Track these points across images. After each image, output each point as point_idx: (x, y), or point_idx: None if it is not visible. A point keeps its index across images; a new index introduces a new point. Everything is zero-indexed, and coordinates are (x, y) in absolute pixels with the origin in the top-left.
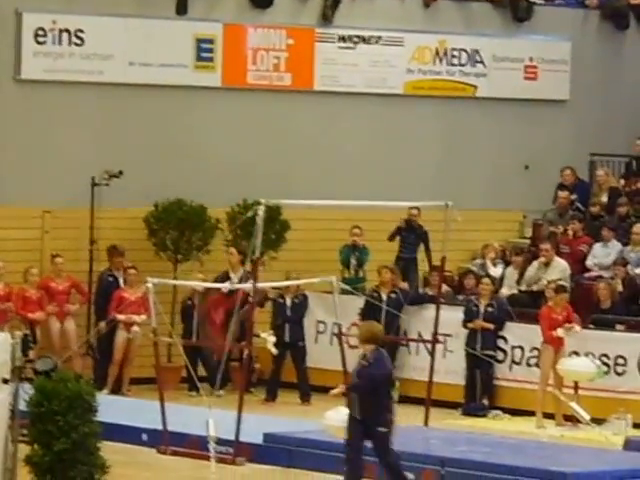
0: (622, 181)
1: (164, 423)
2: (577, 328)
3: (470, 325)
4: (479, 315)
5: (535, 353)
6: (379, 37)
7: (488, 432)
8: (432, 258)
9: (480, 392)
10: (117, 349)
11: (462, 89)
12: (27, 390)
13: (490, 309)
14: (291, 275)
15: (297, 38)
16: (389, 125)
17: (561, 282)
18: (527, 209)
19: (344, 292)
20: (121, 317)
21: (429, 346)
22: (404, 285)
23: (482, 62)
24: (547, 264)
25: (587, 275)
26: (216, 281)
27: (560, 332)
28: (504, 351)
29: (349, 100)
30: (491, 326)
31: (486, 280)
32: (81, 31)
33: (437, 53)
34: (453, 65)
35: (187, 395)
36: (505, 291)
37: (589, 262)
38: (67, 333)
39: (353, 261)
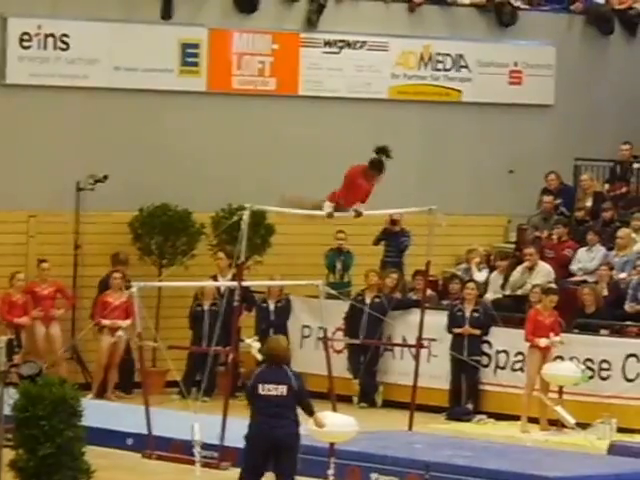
0: (607, 186)
1: (149, 427)
2: (560, 340)
3: (457, 331)
4: (465, 320)
5: (520, 358)
6: (364, 42)
7: (472, 437)
8: (416, 263)
9: (465, 397)
10: (102, 354)
11: (447, 94)
12: (12, 395)
13: (476, 314)
14: (275, 279)
15: (282, 43)
16: (374, 130)
17: (551, 284)
18: (512, 214)
19: (329, 296)
20: (106, 322)
21: (413, 351)
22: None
23: (467, 67)
24: (531, 269)
25: (571, 280)
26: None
27: (544, 342)
28: (489, 356)
29: (334, 105)
30: (478, 332)
31: (471, 285)
32: (66, 36)
33: (422, 58)
34: (438, 70)
35: (172, 399)
36: (490, 296)
37: (573, 267)
38: (52, 338)
39: (338, 265)
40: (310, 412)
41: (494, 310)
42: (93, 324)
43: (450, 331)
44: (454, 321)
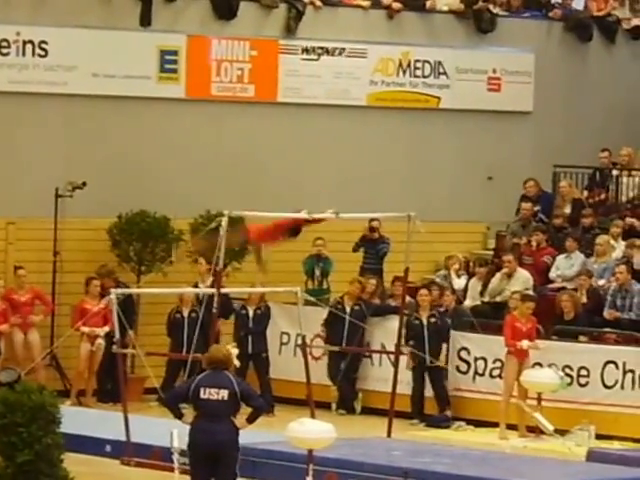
0: (585, 193)
1: (127, 434)
2: (540, 346)
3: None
4: (423, 328)
5: (498, 364)
6: (342, 49)
7: (451, 443)
8: (395, 269)
9: (438, 404)
10: (80, 361)
11: (425, 100)
12: None
13: (433, 319)
14: (254, 285)
15: (261, 50)
16: (352, 137)
17: (528, 291)
18: (490, 220)
19: (308, 303)
20: (85, 329)
21: (392, 357)
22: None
23: (445, 74)
24: (510, 275)
25: (550, 286)
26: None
27: (525, 344)
28: (467, 362)
29: (312, 112)
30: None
31: (424, 291)
32: (45, 42)
33: (400, 65)
34: (416, 77)
35: (150, 406)
36: (468, 302)
37: (552, 274)
38: (31, 344)
39: (317, 272)
40: (263, 411)
41: (473, 317)
42: (72, 331)
43: (407, 343)
44: (412, 330)
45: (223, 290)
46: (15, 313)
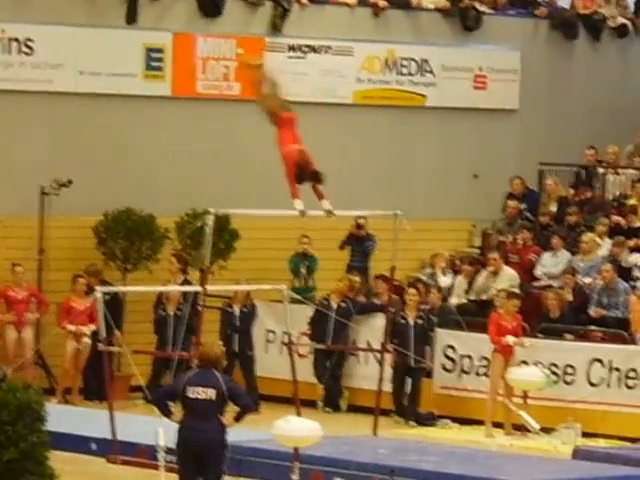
0: (571, 190)
1: (113, 432)
2: (526, 343)
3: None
4: (409, 328)
5: (484, 362)
6: (329, 47)
7: (437, 441)
8: (381, 267)
9: (411, 401)
10: (66, 359)
11: (411, 98)
12: None
13: (420, 321)
14: (240, 283)
15: (247, 47)
16: (338, 134)
17: (513, 289)
18: (476, 218)
19: (294, 301)
20: (71, 328)
21: (378, 355)
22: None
23: (431, 71)
24: (495, 273)
25: (536, 284)
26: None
27: (510, 339)
28: (453, 360)
29: (299, 109)
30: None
31: (412, 291)
32: (30, 40)
33: (386, 62)
34: (402, 74)
35: (136, 404)
36: (454, 300)
37: (538, 271)
38: (24, 342)
39: (303, 270)
40: (250, 409)
41: (458, 315)
42: (58, 329)
43: (392, 341)
44: (397, 329)
45: (208, 288)
46: (10, 310)
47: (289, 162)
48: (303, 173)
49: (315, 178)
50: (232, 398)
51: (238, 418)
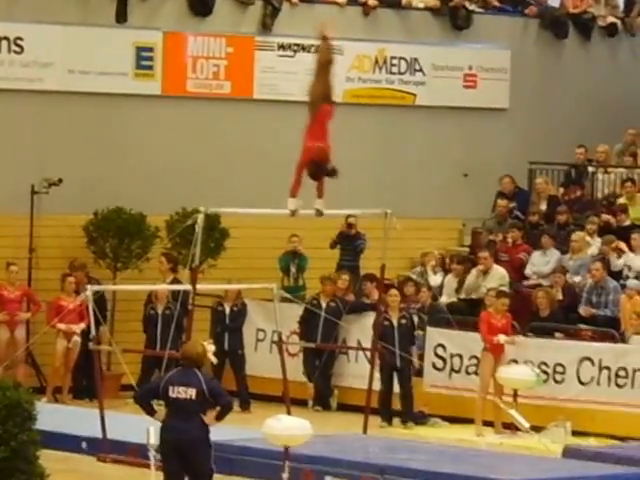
0: (561, 189)
1: (104, 431)
2: (517, 341)
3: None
4: (393, 329)
5: (474, 361)
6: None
7: (427, 440)
8: (371, 266)
9: (403, 403)
10: (56, 358)
11: (401, 97)
12: None
13: (403, 321)
14: (231, 282)
15: (237, 46)
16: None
17: (503, 287)
18: (466, 217)
19: (284, 300)
20: (61, 326)
21: (368, 354)
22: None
23: (421, 70)
24: (486, 272)
25: (526, 283)
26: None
27: (502, 338)
28: (443, 359)
29: (288, 108)
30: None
31: (394, 292)
32: (20, 39)
33: (376, 61)
34: (392, 73)
35: (126, 403)
36: (444, 299)
37: (528, 270)
38: (16, 341)
39: (293, 269)
40: (230, 408)
41: (449, 313)
42: (48, 327)
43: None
44: (385, 331)
45: (198, 286)
46: (2, 309)
47: (305, 158)
48: (319, 169)
49: (331, 173)
50: (213, 397)
51: (219, 417)
